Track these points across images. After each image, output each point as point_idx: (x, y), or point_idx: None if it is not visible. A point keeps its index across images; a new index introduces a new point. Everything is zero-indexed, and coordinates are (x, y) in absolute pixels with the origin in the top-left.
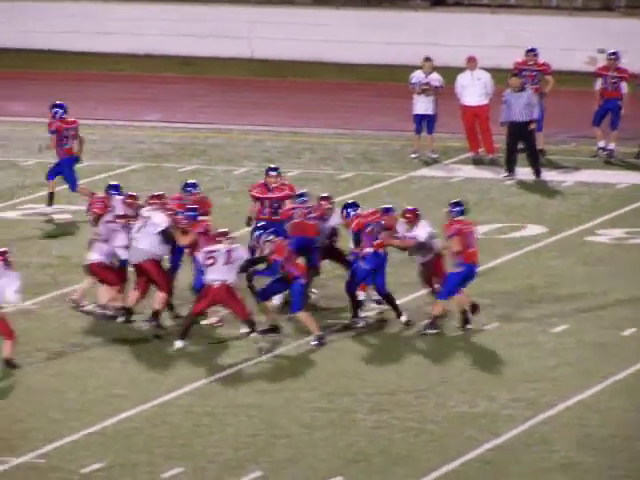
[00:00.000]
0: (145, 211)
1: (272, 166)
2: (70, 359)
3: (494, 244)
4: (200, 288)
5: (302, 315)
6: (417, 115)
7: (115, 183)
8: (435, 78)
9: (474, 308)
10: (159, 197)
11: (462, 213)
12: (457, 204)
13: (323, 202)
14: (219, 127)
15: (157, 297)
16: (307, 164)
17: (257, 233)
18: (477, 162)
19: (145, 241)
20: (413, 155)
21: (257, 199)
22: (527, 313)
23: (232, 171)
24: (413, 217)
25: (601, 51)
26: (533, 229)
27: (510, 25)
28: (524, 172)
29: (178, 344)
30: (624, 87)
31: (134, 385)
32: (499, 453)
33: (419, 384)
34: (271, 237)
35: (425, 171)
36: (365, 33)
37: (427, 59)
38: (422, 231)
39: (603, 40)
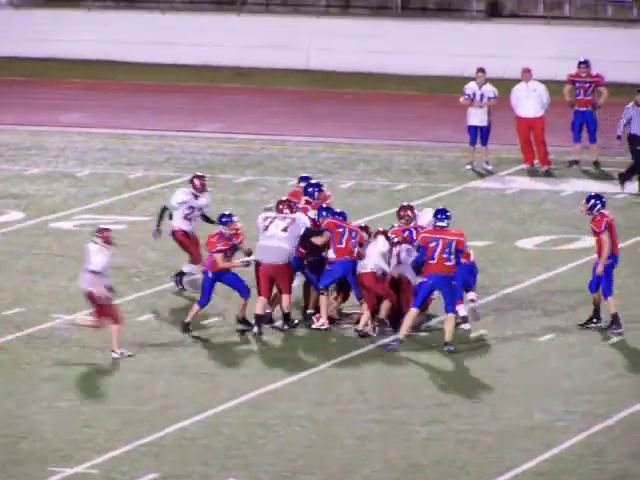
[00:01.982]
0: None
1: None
2: (124, 369)
3: (548, 256)
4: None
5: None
6: (471, 126)
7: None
8: (489, 90)
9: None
10: (288, 202)
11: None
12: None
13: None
14: (274, 138)
15: (284, 299)
16: (361, 175)
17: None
18: (532, 174)
19: (290, 242)
20: (467, 166)
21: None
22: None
23: (287, 182)
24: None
25: None
26: (588, 241)
27: (565, 36)
28: (579, 183)
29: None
30: None
31: (188, 396)
32: (554, 465)
33: (473, 396)
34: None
35: (479, 182)
36: (421, 44)
37: (480, 70)
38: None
39: None
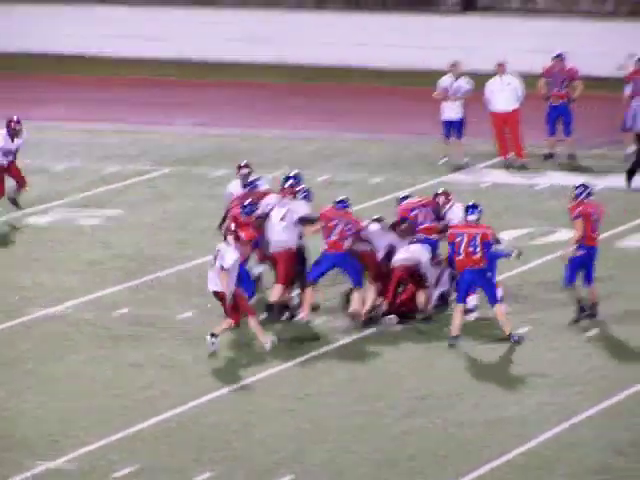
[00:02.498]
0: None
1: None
2: (102, 363)
3: (524, 249)
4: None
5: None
6: (445, 120)
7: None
8: (464, 82)
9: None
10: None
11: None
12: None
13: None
14: (249, 132)
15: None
16: (337, 169)
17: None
18: (507, 167)
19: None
20: (443, 160)
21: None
22: (558, 318)
23: (262, 176)
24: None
25: (630, 56)
26: (564, 234)
27: (540, 29)
28: (555, 176)
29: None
30: None
31: (165, 390)
32: (530, 458)
33: (450, 389)
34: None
35: (454, 176)
36: (396, 37)
37: (455, 64)
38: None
39: (633, 45)
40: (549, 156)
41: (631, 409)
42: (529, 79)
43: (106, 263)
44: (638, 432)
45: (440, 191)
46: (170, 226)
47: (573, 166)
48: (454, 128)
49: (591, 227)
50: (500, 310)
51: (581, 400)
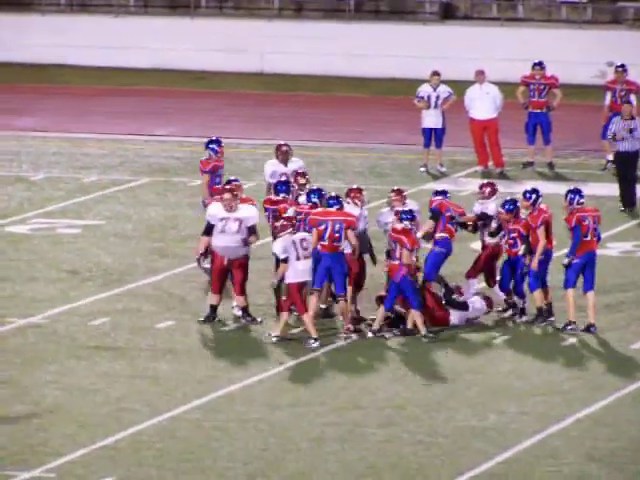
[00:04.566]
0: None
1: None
2: (80, 373)
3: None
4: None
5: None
6: (426, 129)
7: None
8: (444, 90)
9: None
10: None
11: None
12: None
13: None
14: (228, 141)
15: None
16: (315, 178)
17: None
18: (486, 176)
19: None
20: (422, 169)
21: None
22: (536, 327)
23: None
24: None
25: (609, 64)
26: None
27: (519, 38)
28: (533, 185)
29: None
30: (633, 99)
31: (144, 400)
32: (509, 466)
33: (428, 398)
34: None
35: (433, 185)
36: (375, 47)
37: (435, 73)
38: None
39: (612, 53)
40: (528, 164)
41: (610, 418)
42: (508, 87)
43: (85, 273)
44: (618, 441)
45: (485, 182)
46: (149, 236)
47: (552, 174)
48: (434, 137)
49: (550, 233)
50: (568, 297)
51: (560, 409)
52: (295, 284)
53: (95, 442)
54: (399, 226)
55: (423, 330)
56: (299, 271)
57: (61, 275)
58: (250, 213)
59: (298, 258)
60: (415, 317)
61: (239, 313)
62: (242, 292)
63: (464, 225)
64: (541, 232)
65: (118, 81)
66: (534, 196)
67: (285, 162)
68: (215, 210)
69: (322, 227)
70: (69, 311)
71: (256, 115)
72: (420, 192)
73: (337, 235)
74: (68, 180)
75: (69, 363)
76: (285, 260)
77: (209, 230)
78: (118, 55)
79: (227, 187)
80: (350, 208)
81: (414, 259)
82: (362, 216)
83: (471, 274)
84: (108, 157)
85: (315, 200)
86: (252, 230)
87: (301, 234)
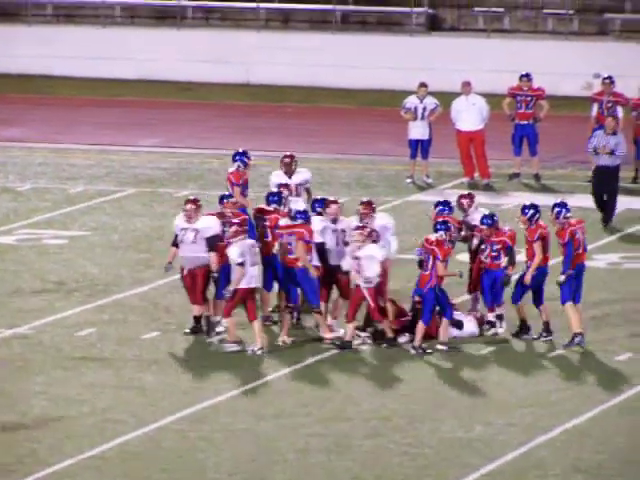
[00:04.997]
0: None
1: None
2: (66, 384)
3: None
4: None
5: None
6: (412, 140)
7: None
8: (431, 102)
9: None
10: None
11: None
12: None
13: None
14: (214, 152)
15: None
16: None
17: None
18: (472, 187)
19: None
20: (408, 180)
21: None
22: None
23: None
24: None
25: (596, 76)
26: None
27: (506, 49)
28: (520, 196)
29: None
30: (620, 111)
31: (130, 410)
32: (495, 478)
33: (414, 409)
34: None
35: (420, 196)
36: (361, 58)
37: (422, 84)
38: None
39: (598, 65)
40: (514, 176)
41: (596, 430)
42: (495, 99)
43: (71, 283)
44: (604, 453)
45: (464, 193)
46: (135, 246)
47: (538, 186)
48: (421, 148)
49: (546, 248)
50: (568, 311)
51: (547, 420)
52: (245, 289)
53: (82, 452)
54: (432, 237)
55: (418, 341)
56: (250, 277)
57: (47, 286)
58: (208, 224)
59: (250, 264)
60: (442, 325)
61: (222, 328)
62: (201, 301)
63: (465, 239)
64: (537, 246)
65: (104, 92)
66: (531, 211)
67: (289, 173)
68: (178, 221)
69: (283, 240)
70: (55, 322)
71: (242, 126)
72: (406, 203)
73: (289, 247)
74: (54, 191)
75: (55, 374)
76: (242, 264)
77: (175, 241)
78: (104, 66)
79: (190, 198)
80: (316, 221)
81: (446, 270)
82: (328, 229)
83: (471, 289)
84: (94, 168)
85: (320, 210)
86: (210, 241)
87: (250, 240)
